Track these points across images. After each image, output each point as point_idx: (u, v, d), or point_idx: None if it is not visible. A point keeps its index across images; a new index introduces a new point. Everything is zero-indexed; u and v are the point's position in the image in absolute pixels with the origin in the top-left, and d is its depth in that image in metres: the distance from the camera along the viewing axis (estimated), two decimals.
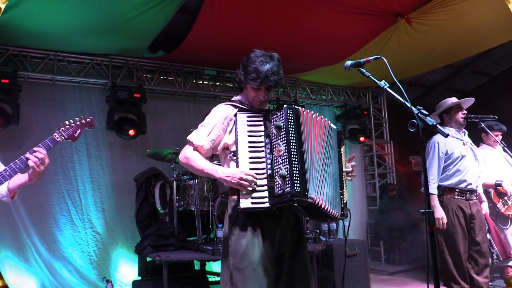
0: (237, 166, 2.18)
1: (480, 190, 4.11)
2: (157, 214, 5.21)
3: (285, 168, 2.11)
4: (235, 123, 2.25)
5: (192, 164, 2.29)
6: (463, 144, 3.92)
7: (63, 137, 2.36)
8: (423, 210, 1.93)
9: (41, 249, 4.99)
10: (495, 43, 5.96)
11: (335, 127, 2.50)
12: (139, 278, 4.90)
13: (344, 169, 2.48)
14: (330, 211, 2.27)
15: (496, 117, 4.16)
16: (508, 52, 7.18)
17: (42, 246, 5.00)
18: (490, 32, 5.44)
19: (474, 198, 3.89)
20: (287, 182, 2.09)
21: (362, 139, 7.26)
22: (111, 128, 5.41)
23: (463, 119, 3.95)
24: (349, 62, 2.33)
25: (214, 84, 6.36)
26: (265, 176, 2.17)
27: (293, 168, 2.11)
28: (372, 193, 7.75)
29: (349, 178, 2.52)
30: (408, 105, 2.04)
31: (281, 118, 2.21)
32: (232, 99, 2.51)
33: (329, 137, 2.41)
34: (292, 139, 2.17)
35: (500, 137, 4.79)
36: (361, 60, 2.27)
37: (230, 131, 2.34)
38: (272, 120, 2.24)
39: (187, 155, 2.31)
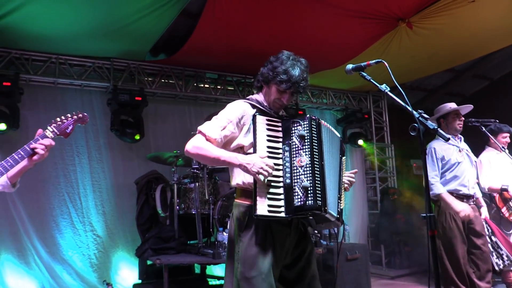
0: None
1: (479, 195, 4.10)
2: (157, 217, 5.21)
3: (307, 180, 2.06)
4: (254, 124, 2.17)
5: (203, 153, 2.15)
6: (459, 150, 3.91)
7: (55, 133, 2.34)
8: (425, 214, 1.92)
9: (41, 252, 4.99)
10: (495, 47, 5.97)
11: (339, 135, 2.46)
12: (140, 281, 4.90)
13: (344, 177, 2.44)
14: (333, 219, 2.24)
15: (497, 121, 4.15)
16: (509, 56, 7.19)
17: (42, 249, 5.00)
18: (491, 36, 5.45)
19: (472, 203, 3.90)
20: (310, 195, 2.04)
21: (360, 142, 7.27)
22: (115, 129, 5.39)
23: (460, 126, 3.93)
24: (350, 66, 2.33)
25: (215, 87, 6.37)
26: (281, 184, 2.11)
27: (316, 181, 2.07)
28: (373, 196, 7.74)
29: (346, 186, 2.47)
30: (409, 109, 2.04)
31: (305, 128, 2.16)
32: (248, 97, 2.42)
33: (335, 146, 2.38)
34: (315, 152, 2.13)
35: (509, 139, 4.74)
36: (362, 64, 2.26)
37: (247, 132, 2.25)
38: (294, 129, 2.18)
39: (199, 144, 2.16)
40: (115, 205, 5.55)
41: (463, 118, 3.97)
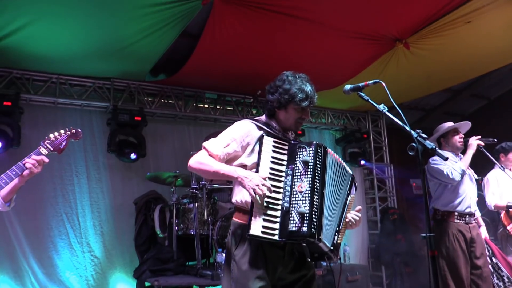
0: None
1: (478, 214, 4.08)
2: (156, 238, 5.16)
3: (305, 206, 2.05)
4: (261, 145, 2.18)
5: (205, 168, 2.19)
6: None
7: (49, 149, 2.35)
8: (424, 235, 1.91)
9: (38, 273, 4.92)
10: (492, 67, 6.03)
11: (351, 172, 2.42)
12: None
13: (349, 215, 2.37)
14: (327, 250, 2.19)
15: (495, 140, 4.16)
16: (506, 76, 7.26)
17: (39, 270, 4.93)
18: (487, 56, 5.52)
19: (473, 221, 3.87)
20: (305, 221, 2.03)
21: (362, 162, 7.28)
22: (112, 150, 5.41)
23: (460, 143, 3.95)
24: (348, 86, 2.34)
25: (214, 107, 6.41)
26: (279, 207, 2.10)
27: (314, 209, 2.06)
28: (373, 217, 7.69)
29: (351, 224, 2.39)
30: (407, 128, 2.05)
31: (310, 154, 2.15)
32: (256, 118, 2.42)
33: (343, 181, 2.35)
34: (317, 179, 2.12)
35: None
36: (360, 84, 2.28)
37: (250, 153, 2.26)
38: (299, 153, 2.18)
39: (201, 159, 2.21)
40: (113, 225, 5.51)
41: (462, 136, 3.99)
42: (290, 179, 2.14)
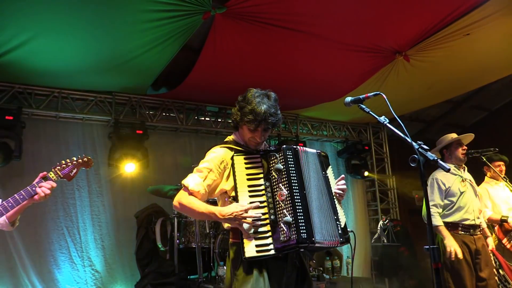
0: None
1: (484, 225, 4.06)
2: (157, 251, 5.13)
3: (289, 214, 2.05)
4: (233, 166, 2.18)
5: (188, 211, 2.21)
6: (462, 180, 3.91)
7: (58, 176, 2.36)
8: (428, 247, 1.89)
9: (38, 287, 4.88)
10: (492, 78, 6.06)
11: (315, 151, 2.39)
12: None
13: (334, 190, 2.36)
14: (331, 245, 2.20)
15: (496, 149, 4.16)
16: (506, 87, 7.27)
17: (40, 285, 4.90)
18: (487, 68, 5.54)
19: (479, 233, 3.85)
20: (293, 229, 2.02)
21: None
22: (111, 164, 5.42)
23: (463, 155, 3.95)
24: (349, 99, 2.35)
25: (215, 120, 6.43)
26: (268, 222, 2.09)
27: (298, 214, 2.05)
28: (375, 228, 7.64)
29: (339, 196, 2.38)
30: (409, 140, 2.05)
31: (281, 160, 2.15)
32: (225, 140, 2.44)
33: (315, 166, 2.32)
34: (294, 183, 2.12)
35: (503, 167, 4.74)
36: (361, 97, 2.29)
37: (228, 177, 2.26)
38: (271, 162, 2.17)
39: (182, 201, 2.21)
40: (114, 239, 5.49)
41: (466, 148, 3.99)
42: (270, 190, 2.15)
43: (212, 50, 4.52)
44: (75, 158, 2.45)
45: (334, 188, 2.38)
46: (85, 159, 2.50)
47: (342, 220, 2.30)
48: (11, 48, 4.16)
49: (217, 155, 2.29)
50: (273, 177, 2.15)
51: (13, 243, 4.83)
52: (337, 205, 2.33)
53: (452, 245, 3.64)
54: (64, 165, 2.40)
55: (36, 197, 2.25)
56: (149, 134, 5.73)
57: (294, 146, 2.24)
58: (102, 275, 5.31)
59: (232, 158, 2.21)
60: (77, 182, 5.40)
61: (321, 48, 4.68)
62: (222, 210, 2.09)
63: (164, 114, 6.08)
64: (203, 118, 6.41)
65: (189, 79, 5.16)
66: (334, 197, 2.34)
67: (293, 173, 2.14)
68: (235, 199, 2.14)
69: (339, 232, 2.24)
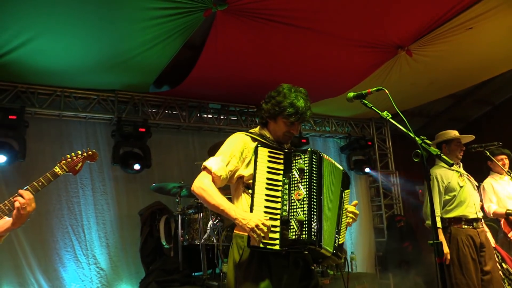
0: (252, 202, 2.10)
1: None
2: (162, 249, 5.15)
3: (303, 214, 2.05)
4: (256, 156, 2.19)
5: (206, 197, 2.16)
6: (460, 175, 3.92)
7: (64, 170, 2.35)
8: (432, 242, 1.89)
9: (44, 286, 4.91)
10: (495, 72, 6.03)
11: (341, 168, 2.42)
12: None
13: (346, 211, 2.37)
14: (330, 255, 2.19)
15: (500, 143, 4.15)
16: (509, 81, 7.23)
17: (45, 283, 4.93)
18: (490, 62, 5.52)
19: (481, 226, 3.86)
20: (305, 228, 2.03)
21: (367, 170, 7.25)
22: (116, 162, 5.43)
23: (460, 154, 3.98)
24: (351, 94, 2.34)
25: (218, 117, 6.43)
26: (279, 217, 2.10)
27: (312, 216, 2.05)
28: (379, 224, 7.64)
29: (350, 220, 2.40)
30: (412, 135, 2.05)
31: (305, 162, 2.17)
32: (250, 130, 2.45)
33: (336, 179, 2.35)
34: (314, 185, 2.13)
35: (506, 161, 4.73)
36: (363, 92, 2.28)
37: (248, 164, 2.27)
38: (294, 161, 2.19)
39: (204, 186, 2.18)
40: (119, 237, 5.51)
41: (464, 148, 4.01)
42: (287, 188, 2.15)
43: (214, 47, 4.52)
44: (79, 152, 2.45)
45: (347, 209, 2.39)
46: (90, 152, 2.49)
47: (342, 237, 2.31)
48: (14, 47, 4.16)
49: (241, 141, 2.31)
50: (293, 176, 2.16)
51: (18, 241, 4.86)
52: (342, 223, 2.34)
53: (445, 250, 3.65)
54: (70, 159, 2.39)
55: (13, 212, 2.05)
56: (152, 132, 5.73)
57: (320, 152, 2.25)
58: (107, 273, 5.33)
59: (256, 148, 2.21)
60: (81, 181, 5.43)
61: (323, 43, 4.67)
62: (245, 217, 2.05)
63: (166, 111, 6.08)
64: (205, 116, 6.40)
65: (191, 77, 5.16)
66: (343, 215, 2.35)
67: (315, 177, 2.15)
68: (252, 188, 2.13)
69: (335, 245, 2.23)
